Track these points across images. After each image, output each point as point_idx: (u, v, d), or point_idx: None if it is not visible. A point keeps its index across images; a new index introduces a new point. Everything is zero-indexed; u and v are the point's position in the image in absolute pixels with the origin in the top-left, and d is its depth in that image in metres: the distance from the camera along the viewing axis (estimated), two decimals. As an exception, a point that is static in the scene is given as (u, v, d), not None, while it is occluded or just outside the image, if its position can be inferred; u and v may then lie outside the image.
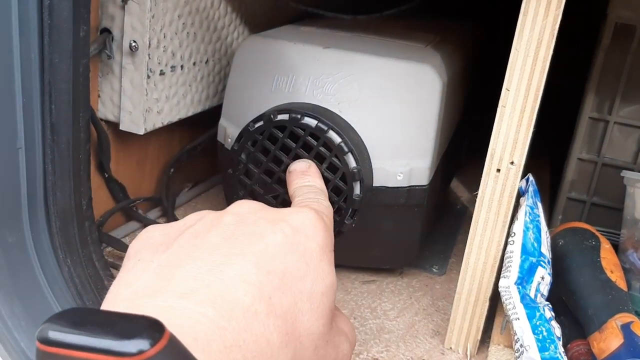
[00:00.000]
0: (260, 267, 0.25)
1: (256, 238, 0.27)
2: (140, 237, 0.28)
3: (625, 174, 0.51)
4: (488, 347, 0.50)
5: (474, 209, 0.47)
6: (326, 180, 0.50)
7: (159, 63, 0.56)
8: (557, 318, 0.49)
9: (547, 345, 0.40)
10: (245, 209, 0.29)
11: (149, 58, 0.55)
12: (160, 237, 0.28)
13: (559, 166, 0.73)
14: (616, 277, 0.46)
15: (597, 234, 0.50)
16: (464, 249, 0.68)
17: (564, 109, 0.74)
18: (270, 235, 0.27)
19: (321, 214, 0.31)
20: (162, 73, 0.57)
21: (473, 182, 0.45)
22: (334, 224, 0.51)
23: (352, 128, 0.51)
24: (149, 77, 0.55)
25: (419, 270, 0.63)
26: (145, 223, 0.64)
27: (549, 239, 0.47)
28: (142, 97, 0.55)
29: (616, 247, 0.52)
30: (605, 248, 0.49)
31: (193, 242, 0.27)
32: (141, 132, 0.56)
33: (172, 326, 0.19)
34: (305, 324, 0.26)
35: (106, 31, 0.54)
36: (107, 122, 0.58)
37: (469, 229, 0.48)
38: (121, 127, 0.57)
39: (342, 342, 0.30)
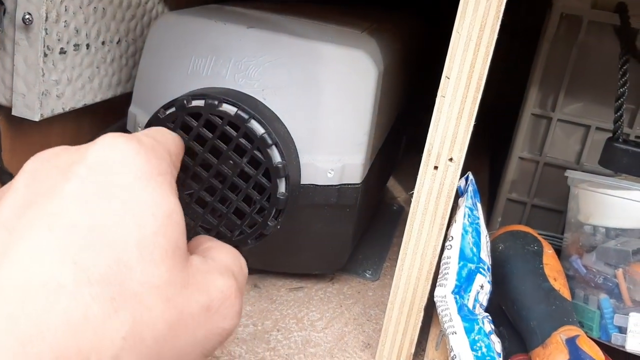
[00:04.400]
0: (56, 229, 0.20)
1: (47, 195, 0.21)
2: None
3: (570, 173, 0.48)
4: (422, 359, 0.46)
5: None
6: (247, 176, 0.44)
7: (59, 40, 0.49)
8: (497, 329, 0.45)
9: (487, 363, 0.36)
10: (37, 161, 0.24)
11: (46, 33, 0.48)
12: None
13: (498, 165, 0.70)
14: (559, 285, 0.43)
15: (540, 238, 0.47)
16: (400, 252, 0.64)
17: (504, 105, 0.71)
18: (64, 186, 0.22)
19: (138, 137, 0.25)
20: (62, 52, 0.50)
21: (411, 181, 0.41)
22: (257, 226, 0.45)
23: (278, 118, 0.46)
24: (45, 55, 0.48)
25: (351, 276, 0.58)
26: (46, 222, 0.57)
27: (489, 244, 0.43)
28: (38, 78, 0.48)
29: (559, 252, 0.49)
30: (548, 254, 0.45)
31: None
32: (36, 119, 0.49)
33: None
34: (140, 278, 0.21)
35: (-5, 0, 0.47)
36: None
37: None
38: (13, 112, 0.49)
39: (215, 279, 0.24)
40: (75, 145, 0.25)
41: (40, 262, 0.19)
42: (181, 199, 0.45)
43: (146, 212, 0.22)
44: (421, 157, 0.41)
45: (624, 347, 0.42)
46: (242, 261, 0.29)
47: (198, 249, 0.28)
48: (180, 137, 0.31)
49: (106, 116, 0.62)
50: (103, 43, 0.55)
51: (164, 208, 0.23)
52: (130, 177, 0.23)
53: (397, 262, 0.61)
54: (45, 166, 0.23)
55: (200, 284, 0.24)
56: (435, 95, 0.40)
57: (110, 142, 0.24)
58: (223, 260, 0.26)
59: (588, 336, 0.42)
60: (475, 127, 0.40)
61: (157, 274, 0.21)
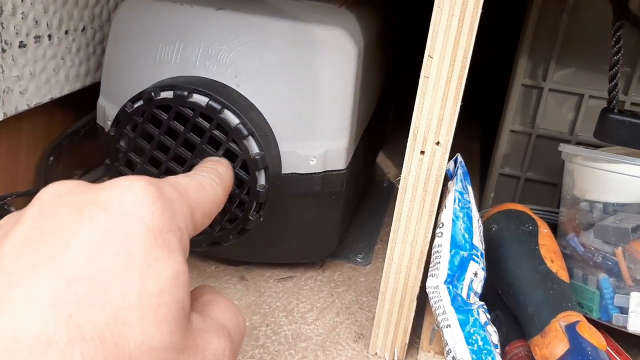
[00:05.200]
0: (56, 276, 0.18)
1: (53, 236, 0.20)
2: None
3: (563, 148, 0.46)
4: (417, 349, 0.44)
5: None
6: (224, 170, 0.42)
7: (17, 33, 0.46)
8: (494, 313, 0.44)
9: (484, 358, 0.34)
10: (48, 195, 0.22)
11: (2, 28, 0.44)
12: None
13: (489, 138, 0.67)
14: (557, 267, 0.41)
15: (535, 216, 0.45)
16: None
17: (494, 75, 0.68)
18: (72, 227, 0.20)
19: (161, 185, 0.23)
20: (22, 45, 0.47)
21: (401, 156, 0.38)
22: (238, 221, 0.43)
23: (253, 106, 0.43)
24: (4, 50, 0.45)
25: (342, 261, 0.56)
26: (21, 223, 0.54)
27: (481, 228, 0.41)
28: (-3, 74, 0.45)
29: (555, 227, 0.47)
30: (544, 233, 0.43)
31: None
32: (-1, 118, 0.46)
33: None
34: (138, 339, 0.19)
35: (-58, -7, 0.44)
36: (-41, 106, 0.47)
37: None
38: (-26, 112, 0.47)
39: (211, 340, 0.23)
40: (91, 183, 0.23)
41: (33, 314, 0.17)
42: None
43: (153, 270, 0.20)
44: (406, 135, 0.39)
45: (625, 327, 0.41)
46: (241, 318, 0.27)
47: (197, 301, 0.26)
48: (223, 193, 0.29)
49: (78, 108, 0.59)
50: (66, 32, 0.51)
51: (171, 268, 0.21)
52: (142, 229, 0.21)
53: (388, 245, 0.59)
54: (58, 202, 0.21)
55: (196, 347, 0.22)
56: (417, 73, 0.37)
57: (128, 186, 0.21)
58: (221, 318, 0.25)
59: (588, 318, 0.40)
60: (464, 101, 0.37)
61: (157, 337, 0.20)
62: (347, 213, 0.53)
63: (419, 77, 0.37)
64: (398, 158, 0.77)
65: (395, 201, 0.40)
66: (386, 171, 0.75)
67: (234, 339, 0.25)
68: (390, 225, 0.62)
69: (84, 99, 0.57)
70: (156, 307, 0.20)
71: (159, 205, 0.21)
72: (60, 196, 0.22)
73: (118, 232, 0.20)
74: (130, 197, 0.21)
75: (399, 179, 0.40)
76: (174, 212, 0.22)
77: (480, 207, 0.59)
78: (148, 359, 0.19)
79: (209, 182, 0.28)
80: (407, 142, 0.39)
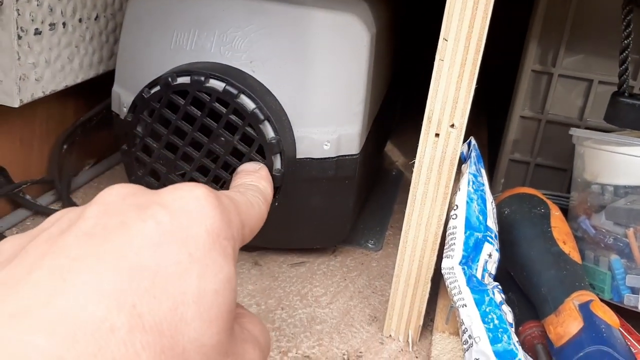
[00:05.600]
0: (121, 267, 0.19)
1: (118, 231, 0.20)
2: None
3: (574, 132, 0.46)
4: (431, 331, 0.45)
5: (410, 175, 0.41)
6: (240, 154, 0.42)
7: (33, 20, 0.46)
8: (505, 295, 0.44)
9: (500, 336, 0.35)
10: (113, 196, 0.22)
11: (19, 14, 0.45)
12: (10, 249, 0.21)
13: (497, 125, 0.68)
14: (569, 248, 0.41)
15: (546, 200, 0.45)
16: (402, 219, 0.62)
17: (500, 62, 0.69)
18: (137, 225, 0.20)
19: (219, 195, 0.24)
20: (37, 32, 0.47)
21: (409, 145, 0.39)
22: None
23: (269, 91, 0.44)
24: (20, 37, 0.45)
25: (354, 247, 0.57)
26: (36, 210, 0.55)
27: (494, 210, 0.42)
28: (14, 62, 0.46)
29: (565, 212, 0.47)
30: (556, 216, 0.44)
31: (42, 248, 0.20)
32: (15, 105, 0.47)
33: None
34: (192, 334, 0.20)
35: (-41, -19, 0.44)
36: (-25, 93, 0.48)
37: (407, 197, 0.41)
38: (-9, 100, 0.47)
39: (248, 350, 0.24)
40: (147, 189, 0.24)
41: (97, 300, 0.18)
42: (174, 180, 0.44)
43: (210, 270, 0.21)
44: (418, 120, 0.39)
45: (636, 307, 0.41)
46: (268, 334, 0.28)
47: None
48: (266, 210, 0.29)
49: (91, 96, 0.60)
50: (80, 20, 0.52)
51: (226, 271, 0.21)
52: (202, 231, 0.21)
53: (399, 230, 0.60)
54: (121, 203, 0.22)
55: (237, 354, 0.23)
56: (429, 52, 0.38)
57: (190, 190, 0.22)
58: (254, 331, 0.25)
59: (599, 299, 0.41)
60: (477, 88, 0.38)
61: (208, 334, 0.20)
62: (360, 198, 0.53)
63: (425, 68, 0.38)
64: (405, 147, 0.78)
65: (404, 189, 0.41)
66: (394, 160, 0.76)
67: (264, 353, 0.25)
68: (400, 212, 0.63)
69: (95, 89, 0.58)
70: (210, 306, 0.20)
71: (218, 211, 0.22)
72: (124, 197, 0.22)
73: (181, 232, 0.21)
74: (194, 201, 0.22)
75: (413, 162, 0.40)
76: (230, 220, 0.23)
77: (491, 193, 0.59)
78: (198, 355, 0.20)
79: (256, 200, 0.29)
80: (413, 131, 0.39)
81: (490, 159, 0.66)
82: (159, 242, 0.20)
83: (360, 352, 0.43)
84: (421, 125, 0.39)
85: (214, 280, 0.21)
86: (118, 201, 0.22)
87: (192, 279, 0.20)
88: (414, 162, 0.40)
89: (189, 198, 0.22)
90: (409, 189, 0.41)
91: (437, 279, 0.43)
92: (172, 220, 0.21)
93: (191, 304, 0.20)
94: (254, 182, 0.33)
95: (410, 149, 0.83)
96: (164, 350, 0.18)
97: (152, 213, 0.21)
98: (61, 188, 0.57)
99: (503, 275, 0.44)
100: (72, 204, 0.57)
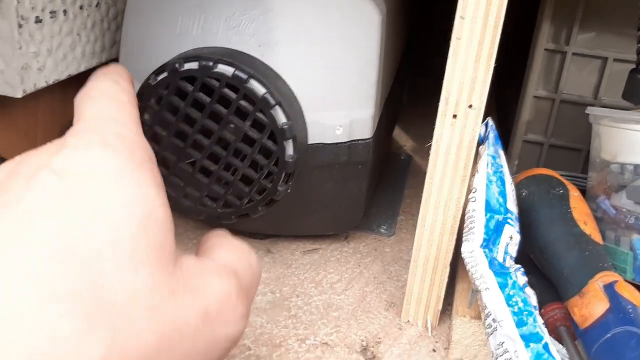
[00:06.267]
0: (16, 244, 0.18)
1: (4, 208, 0.19)
2: None
3: (591, 110, 0.45)
4: (449, 316, 0.44)
5: (420, 159, 0.40)
6: (252, 141, 0.41)
7: (33, 8, 0.45)
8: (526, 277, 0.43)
9: (525, 319, 0.34)
10: (1, 174, 0.21)
11: (19, 2, 0.44)
12: None
13: (506, 105, 0.67)
14: (590, 229, 0.41)
15: (564, 180, 0.44)
16: (413, 204, 0.62)
17: (509, 40, 0.67)
18: (24, 195, 0.19)
19: (99, 131, 0.22)
20: (38, 20, 0.46)
21: (417, 128, 0.38)
22: (266, 192, 0.43)
23: (279, 76, 0.43)
24: (21, 26, 0.44)
25: (366, 233, 0.56)
26: (42, 203, 0.54)
27: (514, 192, 0.41)
28: (15, 51, 0.44)
29: (583, 192, 0.46)
30: (575, 196, 0.43)
31: None
32: (18, 95, 0.46)
33: None
34: (118, 287, 0.18)
35: (-43, -32, 0.43)
36: (-24, 85, 0.47)
37: (417, 181, 0.41)
38: (-7, 91, 0.46)
39: (211, 281, 0.22)
40: (44, 146, 0.22)
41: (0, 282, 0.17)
42: (184, 169, 0.43)
43: (122, 214, 0.20)
44: (425, 103, 0.38)
45: (660, 287, 0.40)
46: (252, 258, 0.26)
47: (202, 247, 0.26)
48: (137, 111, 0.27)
49: (93, 86, 0.59)
50: (81, 7, 0.50)
51: (143, 206, 0.20)
52: (102, 178, 0.20)
53: (411, 215, 0.59)
54: (9, 177, 0.20)
55: (194, 288, 0.21)
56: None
57: (76, 143, 0.21)
58: (223, 259, 0.24)
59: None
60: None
61: (137, 280, 0.19)
62: (372, 184, 0.52)
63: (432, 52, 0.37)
64: (413, 130, 0.76)
65: (414, 174, 0.40)
66: (402, 144, 0.75)
67: (242, 279, 0.24)
68: (411, 197, 0.62)
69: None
70: (130, 252, 0.19)
71: (112, 149, 0.21)
72: (11, 171, 0.21)
73: (77, 189, 0.20)
74: (81, 154, 0.21)
75: (429, 145, 0.39)
76: (132, 149, 0.22)
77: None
78: (134, 304, 0.19)
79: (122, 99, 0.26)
80: (421, 114, 0.38)
81: (503, 141, 0.65)
82: (52, 207, 0.19)
83: (379, 338, 0.42)
84: (429, 107, 0.38)
85: (128, 223, 0.20)
86: (6, 177, 0.21)
87: (102, 232, 0.19)
88: (429, 145, 0.39)
89: (75, 153, 0.21)
90: (418, 174, 0.41)
91: (454, 263, 0.43)
92: (62, 181, 0.20)
93: (108, 258, 0.19)
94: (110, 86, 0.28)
95: (418, 133, 0.82)
96: (89, 311, 0.17)
97: (39, 178, 0.20)
98: (67, 180, 0.56)
99: (522, 258, 0.43)
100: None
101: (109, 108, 0.25)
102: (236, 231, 0.54)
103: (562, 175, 0.47)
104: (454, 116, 0.38)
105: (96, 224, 0.19)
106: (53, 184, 0.19)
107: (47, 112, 0.55)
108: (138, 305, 0.19)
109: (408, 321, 0.44)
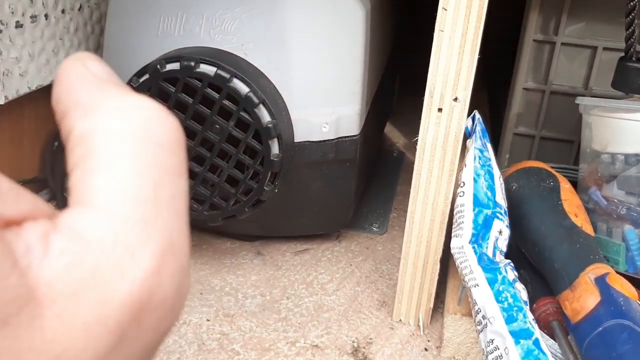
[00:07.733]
0: None
1: None
2: None
3: (581, 100, 0.44)
4: (442, 314, 0.44)
5: (413, 156, 0.39)
6: (236, 141, 0.41)
7: (13, 13, 0.45)
8: (517, 272, 0.43)
9: (515, 315, 0.34)
10: None
11: (-2, 6, 0.43)
12: None
13: (498, 98, 0.66)
14: (581, 221, 0.40)
15: (554, 172, 0.44)
16: (405, 201, 0.61)
17: (499, 32, 0.67)
18: None
19: None
20: (19, 25, 0.45)
21: (409, 125, 0.38)
22: (253, 192, 0.42)
23: (262, 74, 0.42)
24: (0, 31, 0.44)
25: (358, 231, 0.55)
26: (30, 210, 0.53)
27: (503, 186, 0.40)
28: (-4, 56, 0.44)
29: (574, 184, 0.46)
30: (565, 188, 0.42)
31: None
32: (0, 102, 0.45)
33: None
34: None
35: None
36: (-42, 92, 0.46)
37: (410, 178, 0.40)
38: (-25, 98, 0.45)
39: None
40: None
41: None
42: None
43: None
44: (417, 100, 0.37)
45: (654, 278, 0.40)
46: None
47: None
48: None
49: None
50: (63, 11, 0.50)
51: None
52: None
53: (403, 212, 0.58)
54: None
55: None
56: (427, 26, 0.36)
57: None
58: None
59: (614, 271, 0.39)
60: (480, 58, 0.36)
61: None
62: (361, 181, 0.52)
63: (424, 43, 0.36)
64: (405, 127, 0.76)
65: (406, 170, 0.39)
66: (395, 141, 0.74)
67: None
68: (403, 194, 0.61)
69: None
70: None
71: None
72: None
73: None
74: None
75: (417, 139, 0.39)
76: None
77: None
78: None
79: None
80: (413, 110, 0.38)
81: (493, 134, 0.65)
82: None
83: (371, 339, 0.42)
84: (421, 104, 0.37)
85: None
86: None
87: None
88: (416, 140, 0.39)
89: None
90: (411, 170, 0.40)
91: (446, 260, 0.42)
92: None
93: None
94: None
95: (410, 130, 0.82)
96: None
97: None
98: (55, 187, 0.55)
99: (513, 252, 0.43)
100: (67, 202, 0.55)
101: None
102: (226, 234, 0.53)
103: (553, 167, 0.46)
104: (439, 110, 0.37)
105: None
106: None
107: (33, 119, 0.55)
108: None
109: (400, 320, 0.44)
